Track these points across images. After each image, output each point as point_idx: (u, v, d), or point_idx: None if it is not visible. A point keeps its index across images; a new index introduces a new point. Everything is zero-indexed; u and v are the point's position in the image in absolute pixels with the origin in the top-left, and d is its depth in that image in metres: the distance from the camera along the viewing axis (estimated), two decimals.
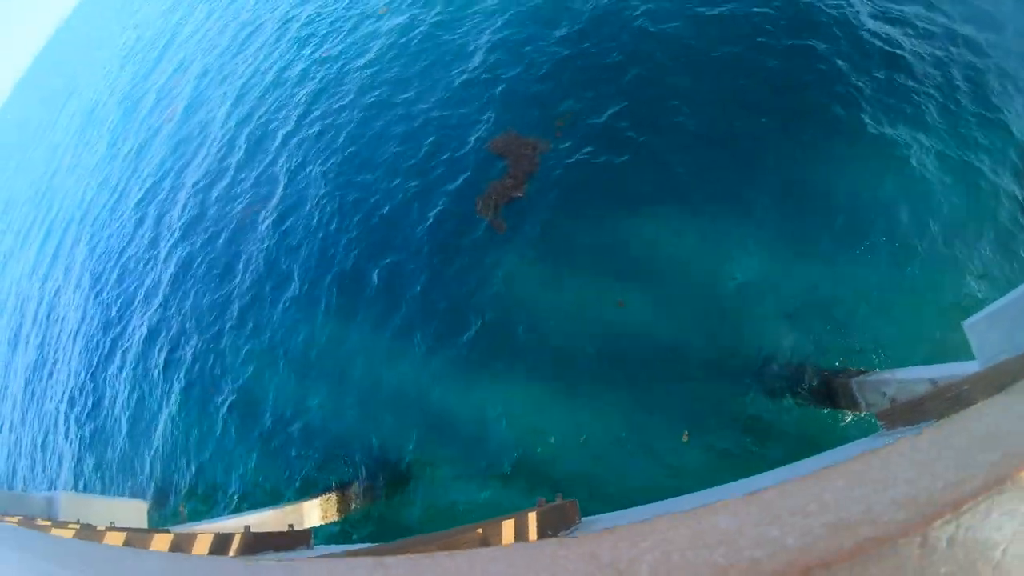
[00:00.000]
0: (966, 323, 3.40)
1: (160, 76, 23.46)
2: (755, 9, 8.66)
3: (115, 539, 3.27)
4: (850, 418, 5.09)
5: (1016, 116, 6.97)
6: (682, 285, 6.70)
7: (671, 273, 6.82)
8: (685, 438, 5.85)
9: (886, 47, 7.77)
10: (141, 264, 13.89)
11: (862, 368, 5.33)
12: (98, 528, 4.21)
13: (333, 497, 7.03)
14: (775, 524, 0.70)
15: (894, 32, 7.96)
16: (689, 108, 8.02)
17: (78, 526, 4.40)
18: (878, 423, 3.66)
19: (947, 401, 2.77)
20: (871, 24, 8.07)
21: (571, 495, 5.73)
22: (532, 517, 2.38)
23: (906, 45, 7.78)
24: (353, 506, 7.08)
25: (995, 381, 2.44)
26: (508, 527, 1.95)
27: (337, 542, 6.62)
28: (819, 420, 5.35)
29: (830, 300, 5.97)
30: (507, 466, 6.35)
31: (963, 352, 4.59)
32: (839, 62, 7.68)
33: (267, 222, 11.15)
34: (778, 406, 5.68)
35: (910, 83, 7.38)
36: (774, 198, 6.90)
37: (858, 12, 8.26)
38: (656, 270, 6.91)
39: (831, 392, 5.42)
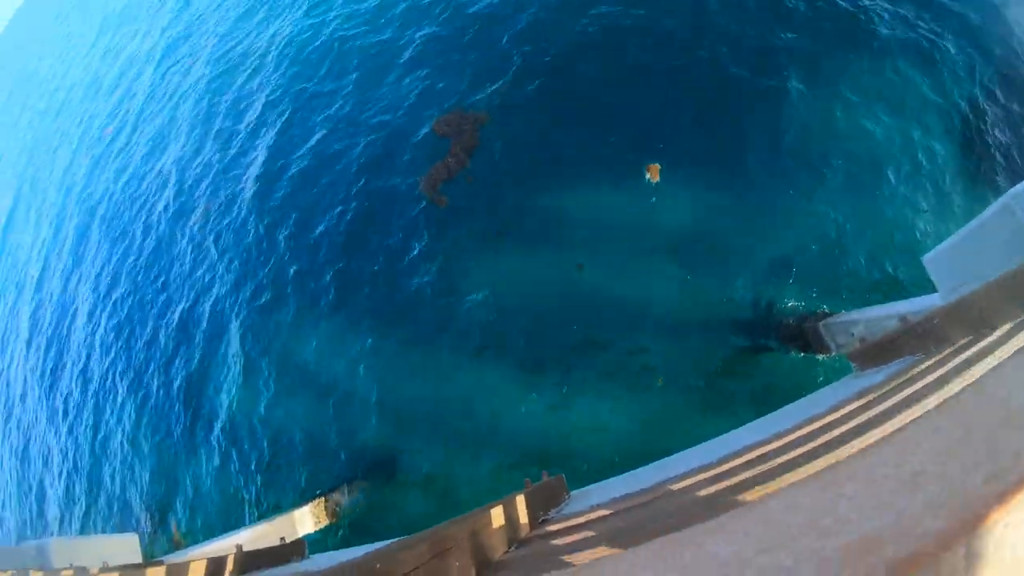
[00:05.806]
0: (926, 258, 3.43)
1: None
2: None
3: None
4: (822, 359, 5.18)
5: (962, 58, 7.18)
6: (640, 243, 6.67)
7: (628, 233, 6.76)
8: (660, 383, 5.91)
9: None
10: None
11: (828, 311, 5.42)
12: (91, 572, 4.04)
13: (323, 502, 6.89)
14: (784, 550, 0.57)
15: None
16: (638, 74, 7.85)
17: (72, 571, 4.22)
18: (851, 364, 3.70)
19: (919, 337, 2.77)
20: None
21: (555, 466, 5.72)
22: (520, 500, 2.33)
23: None
24: (344, 507, 6.94)
25: (963, 315, 2.43)
26: (497, 514, 1.91)
27: (334, 545, 6.51)
28: (792, 365, 5.44)
29: (792, 248, 6.05)
30: (487, 443, 6.33)
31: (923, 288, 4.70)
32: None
33: (211, 223, 10.71)
34: (750, 354, 5.75)
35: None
36: (727, 153, 6.90)
37: None
38: (612, 231, 6.83)
39: (801, 337, 5.50)
